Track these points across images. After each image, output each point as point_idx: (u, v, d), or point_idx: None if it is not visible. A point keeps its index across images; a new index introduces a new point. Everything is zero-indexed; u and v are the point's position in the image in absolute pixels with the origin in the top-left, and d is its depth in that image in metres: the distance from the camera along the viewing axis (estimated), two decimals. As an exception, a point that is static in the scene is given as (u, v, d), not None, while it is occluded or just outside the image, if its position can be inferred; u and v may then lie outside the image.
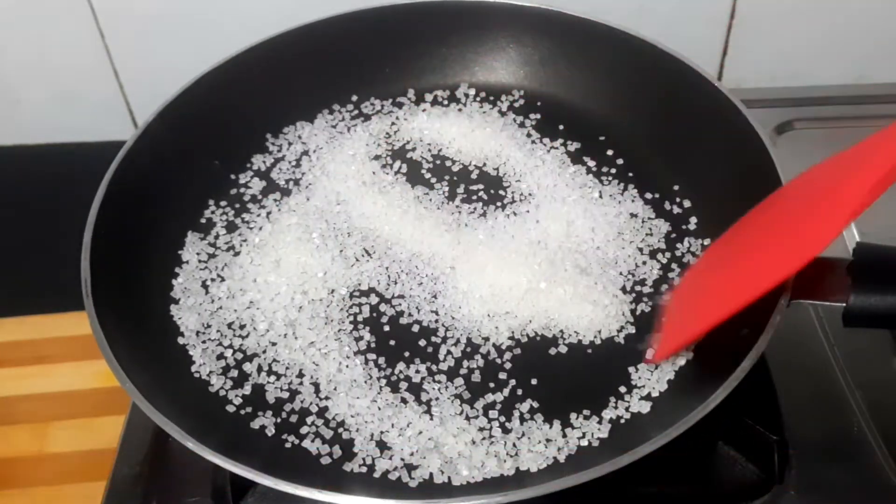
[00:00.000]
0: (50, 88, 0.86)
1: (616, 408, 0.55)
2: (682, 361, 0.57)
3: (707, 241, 0.64)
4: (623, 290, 0.61)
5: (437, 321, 0.60)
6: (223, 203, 0.69)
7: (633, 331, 0.59)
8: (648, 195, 0.68)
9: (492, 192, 0.69)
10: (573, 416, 0.55)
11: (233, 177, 0.70)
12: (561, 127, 0.73)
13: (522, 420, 0.55)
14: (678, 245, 0.64)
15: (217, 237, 0.66)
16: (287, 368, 0.58)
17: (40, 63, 0.84)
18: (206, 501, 0.56)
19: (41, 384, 0.75)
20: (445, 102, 0.76)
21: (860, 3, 0.82)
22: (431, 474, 0.52)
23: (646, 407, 0.55)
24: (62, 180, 0.77)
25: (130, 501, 0.57)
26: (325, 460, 0.54)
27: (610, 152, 0.71)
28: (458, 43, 0.76)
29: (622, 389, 0.56)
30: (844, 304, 0.50)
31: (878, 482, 0.56)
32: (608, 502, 0.55)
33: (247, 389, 0.57)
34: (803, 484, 0.55)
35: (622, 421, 0.55)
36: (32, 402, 0.74)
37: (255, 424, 0.55)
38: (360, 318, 0.61)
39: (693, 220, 0.66)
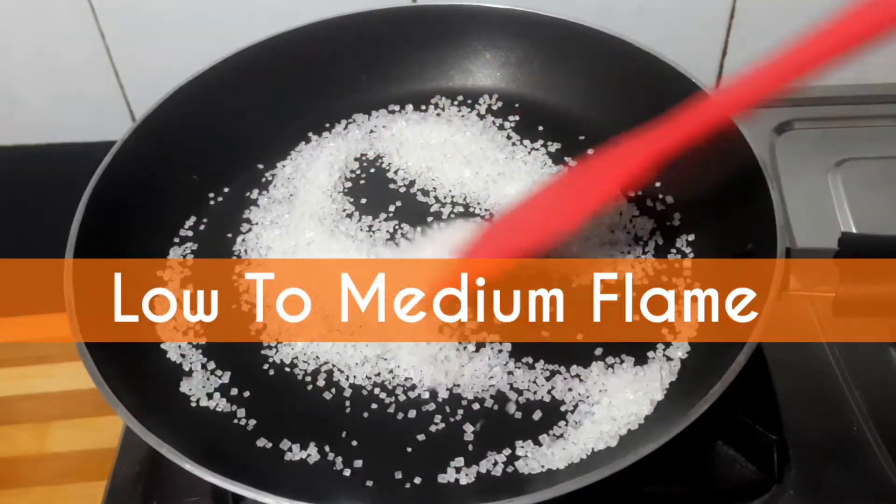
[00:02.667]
0: (50, 88, 0.86)
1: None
2: (682, 353, 0.57)
3: (691, 237, 0.64)
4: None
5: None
6: (204, 217, 0.69)
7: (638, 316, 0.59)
8: (631, 193, 0.67)
9: (475, 195, 0.69)
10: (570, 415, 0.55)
11: (212, 192, 0.70)
12: (540, 128, 0.73)
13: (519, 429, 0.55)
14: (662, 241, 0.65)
15: (199, 249, 0.66)
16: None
17: (40, 63, 0.84)
18: (206, 501, 0.56)
19: (41, 384, 0.75)
20: (424, 108, 0.75)
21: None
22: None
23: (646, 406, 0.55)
24: (62, 180, 0.76)
25: (130, 501, 0.57)
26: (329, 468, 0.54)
27: (591, 152, 0.70)
28: (434, 47, 0.76)
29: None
30: (834, 294, 0.51)
31: (878, 482, 0.56)
32: (608, 502, 0.55)
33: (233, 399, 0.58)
34: (803, 483, 0.55)
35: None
36: (33, 401, 0.74)
37: (245, 433, 0.56)
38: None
39: (677, 216, 0.66)
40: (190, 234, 0.67)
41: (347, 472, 0.53)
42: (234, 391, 0.58)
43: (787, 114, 0.81)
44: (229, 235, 0.67)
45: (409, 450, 0.54)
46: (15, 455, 0.71)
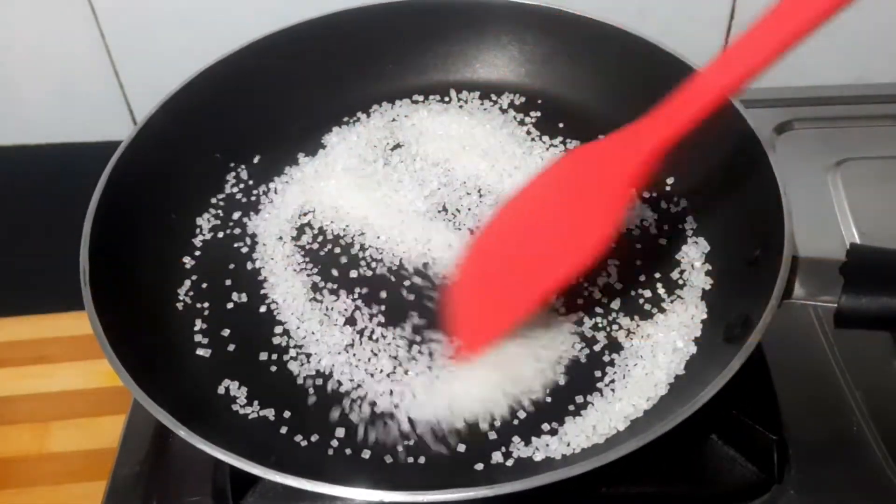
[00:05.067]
0: (50, 88, 0.86)
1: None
2: (679, 370, 0.57)
3: (701, 239, 0.64)
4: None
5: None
6: (223, 197, 0.69)
7: (640, 316, 0.60)
8: (646, 194, 0.68)
9: (489, 187, 0.69)
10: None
11: (232, 172, 0.71)
12: (560, 125, 0.73)
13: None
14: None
15: (217, 229, 0.67)
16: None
17: (40, 63, 0.84)
18: (207, 501, 0.56)
19: (41, 384, 0.75)
20: (447, 99, 0.76)
21: (859, 4, 0.81)
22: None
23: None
24: (62, 180, 0.77)
25: (130, 501, 0.57)
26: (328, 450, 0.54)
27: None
28: (461, 40, 0.77)
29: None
30: (836, 305, 0.50)
31: (877, 481, 0.56)
32: (607, 501, 0.55)
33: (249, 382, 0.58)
34: (803, 483, 0.55)
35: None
36: (33, 401, 0.74)
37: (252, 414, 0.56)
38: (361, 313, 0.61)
39: (689, 219, 0.66)
40: (211, 211, 0.68)
41: (349, 452, 0.54)
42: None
43: (787, 114, 0.81)
44: (248, 213, 0.69)
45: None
46: (15, 455, 0.71)
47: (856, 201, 0.73)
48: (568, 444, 0.53)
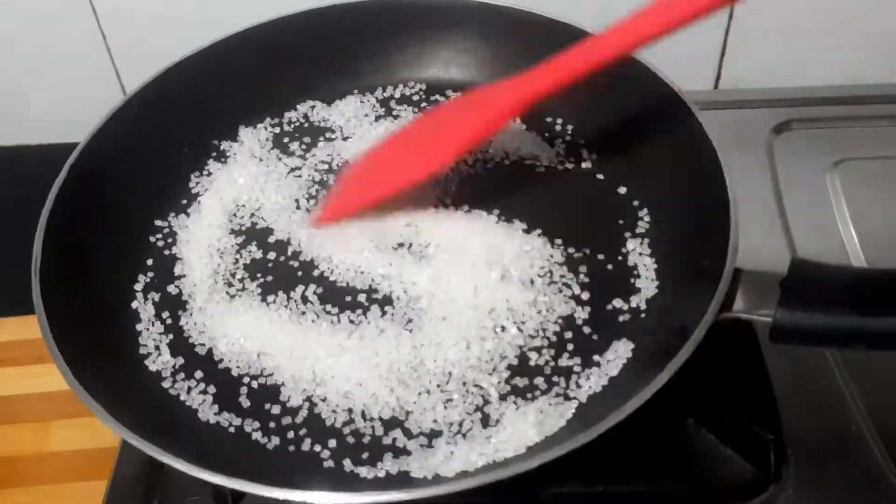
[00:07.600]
0: (52, 89, 0.86)
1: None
2: (614, 372, 0.56)
3: (651, 246, 0.63)
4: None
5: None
6: (188, 193, 0.70)
7: (587, 317, 0.59)
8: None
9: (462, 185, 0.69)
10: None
11: (199, 168, 0.71)
12: (525, 126, 0.73)
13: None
14: (629, 244, 0.63)
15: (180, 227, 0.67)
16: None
17: (43, 64, 0.84)
18: (207, 500, 0.56)
19: (42, 383, 0.75)
20: (420, 96, 0.76)
21: (858, 4, 0.82)
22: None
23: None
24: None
25: (131, 501, 0.57)
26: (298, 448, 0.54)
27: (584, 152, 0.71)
28: (433, 39, 0.77)
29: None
30: (771, 319, 0.49)
31: (876, 481, 0.56)
32: (605, 500, 0.56)
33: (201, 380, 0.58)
34: (801, 483, 0.56)
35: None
36: (34, 401, 0.74)
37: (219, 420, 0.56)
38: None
39: (641, 224, 0.65)
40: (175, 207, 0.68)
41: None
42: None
43: (786, 114, 0.81)
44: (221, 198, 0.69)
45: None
46: (16, 454, 0.71)
47: (854, 202, 0.73)
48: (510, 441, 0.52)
